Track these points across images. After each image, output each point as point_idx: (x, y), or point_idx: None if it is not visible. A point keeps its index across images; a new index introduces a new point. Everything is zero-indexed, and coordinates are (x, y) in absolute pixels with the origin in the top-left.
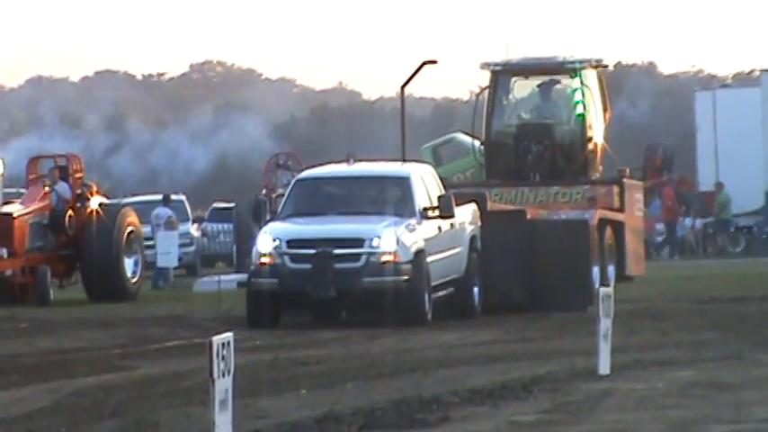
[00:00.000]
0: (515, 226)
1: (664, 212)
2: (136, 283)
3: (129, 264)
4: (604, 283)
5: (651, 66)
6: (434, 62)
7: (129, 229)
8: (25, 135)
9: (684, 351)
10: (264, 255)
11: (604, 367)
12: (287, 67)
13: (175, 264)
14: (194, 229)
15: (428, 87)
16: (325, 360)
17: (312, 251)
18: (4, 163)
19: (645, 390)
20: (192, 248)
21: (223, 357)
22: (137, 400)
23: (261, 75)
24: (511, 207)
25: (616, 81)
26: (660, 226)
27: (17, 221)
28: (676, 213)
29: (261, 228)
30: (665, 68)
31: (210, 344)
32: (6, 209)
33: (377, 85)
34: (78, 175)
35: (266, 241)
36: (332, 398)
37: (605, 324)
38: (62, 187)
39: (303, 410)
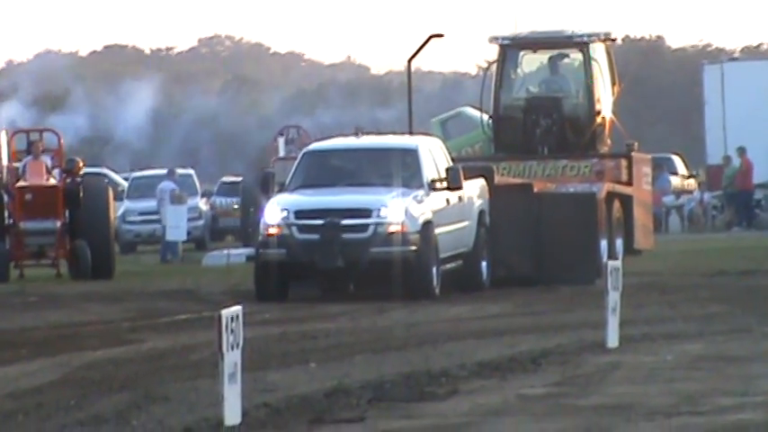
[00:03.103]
0: (522, 199)
1: (740, 182)
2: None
3: None
4: (612, 256)
5: (659, 40)
6: (441, 36)
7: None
8: (32, 108)
9: (693, 324)
10: (272, 226)
11: (613, 340)
12: (295, 41)
13: (184, 237)
14: (203, 203)
15: (436, 61)
16: (333, 333)
17: (320, 222)
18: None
19: (653, 363)
20: (200, 222)
21: (232, 331)
22: (146, 373)
23: (269, 49)
24: (518, 180)
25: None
26: (669, 199)
27: (59, 194)
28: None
29: (269, 200)
30: (673, 42)
31: (219, 317)
32: (51, 181)
33: (385, 60)
34: (59, 150)
35: (274, 212)
36: (341, 371)
37: (613, 297)
38: (46, 161)
39: (312, 383)
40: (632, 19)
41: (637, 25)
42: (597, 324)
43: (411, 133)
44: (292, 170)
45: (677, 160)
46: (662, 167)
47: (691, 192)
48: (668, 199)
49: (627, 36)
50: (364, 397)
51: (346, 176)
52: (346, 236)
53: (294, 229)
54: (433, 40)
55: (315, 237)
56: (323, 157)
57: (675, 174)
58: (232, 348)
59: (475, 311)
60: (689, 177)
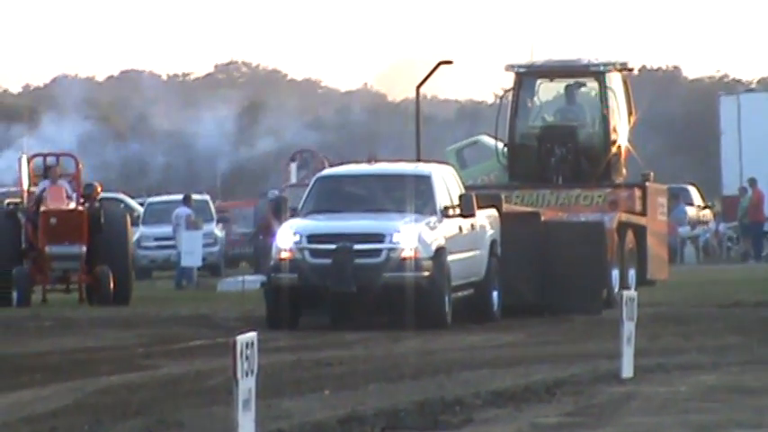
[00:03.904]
0: (530, 228)
1: (751, 213)
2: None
3: None
4: (624, 286)
5: (676, 70)
6: (450, 62)
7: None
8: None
9: (707, 355)
10: (285, 250)
11: (627, 371)
12: (312, 68)
13: (199, 263)
14: (218, 230)
15: (453, 89)
16: (348, 361)
17: (332, 246)
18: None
19: (667, 393)
20: (215, 248)
21: (247, 357)
22: (160, 399)
23: (286, 75)
24: (526, 209)
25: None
26: (684, 229)
27: (84, 219)
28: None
29: (281, 224)
30: (690, 73)
31: (234, 344)
32: (71, 205)
33: (401, 87)
34: (77, 174)
35: (287, 236)
36: (355, 399)
37: (628, 327)
38: (64, 186)
39: (326, 411)
40: (649, 49)
41: (654, 55)
42: (612, 354)
43: (419, 160)
44: (305, 195)
45: (693, 191)
46: (678, 198)
47: (706, 223)
48: (683, 230)
49: (644, 66)
50: (378, 425)
51: (359, 202)
52: (359, 260)
53: (306, 253)
54: (442, 66)
55: (327, 261)
56: (336, 183)
57: (691, 204)
58: (246, 375)
59: (489, 340)
60: (704, 208)
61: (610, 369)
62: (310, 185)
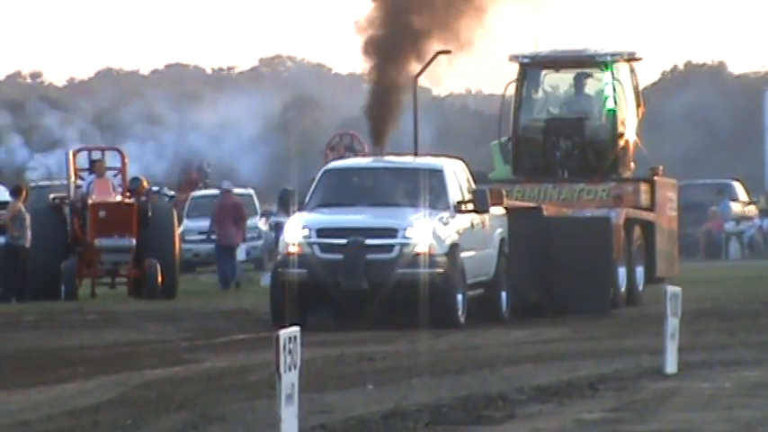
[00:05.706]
0: (532, 223)
1: None
2: None
3: None
4: (632, 284)
5: (721, 65)
6: (448, 52)
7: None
8: (94, 129)
9: (751, 351)
10: (293, 244)
11: (671, 366)
12: (357, 62)
13: (243, 257)
14: (262, 223)
15: (498, 84)
16: (391, 356)
17: (343, 241)
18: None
19: (711, 389)
20: (259, 242)
21: (290, 351)
22: (203, 393)
23: (330, 70)
24: (527, 203)
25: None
26: (729, 225)
27: (134, 212)
28: None
29: (288, 218)
30: (735, 68)
31: (277, 338)
32: (120, 199)
33: (447, 82)
34: (123, 169)
35: (295, 230)
36: (398, 393)
37: (672, 323)
38: (111, 180)
39: (369, 406)
40: (695, 44)
41: (699, 51)
42: (655, 350)
43: (416, 154)
44: (312, 188)
45: (738, 186)
46: (723, 193)
47: (751, 218)
48: (729, 225)
49: (689, 61)
50: (421, 420)
51: (368, 196)
52: (371, 256)
53: (316, 247)
54: (440, 56)
55: (338, 256)
56: (344, 176)
57: (736, 200)
58: (289, 369)
59: (533, 336)
60: (749, 204)
61: (653, 365)
62: (317, 178)
